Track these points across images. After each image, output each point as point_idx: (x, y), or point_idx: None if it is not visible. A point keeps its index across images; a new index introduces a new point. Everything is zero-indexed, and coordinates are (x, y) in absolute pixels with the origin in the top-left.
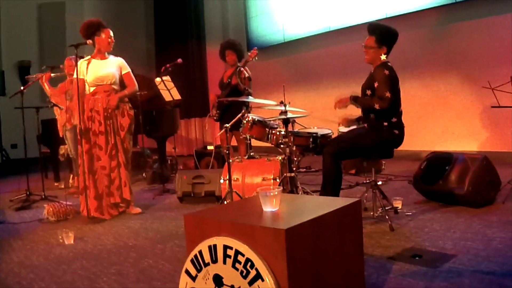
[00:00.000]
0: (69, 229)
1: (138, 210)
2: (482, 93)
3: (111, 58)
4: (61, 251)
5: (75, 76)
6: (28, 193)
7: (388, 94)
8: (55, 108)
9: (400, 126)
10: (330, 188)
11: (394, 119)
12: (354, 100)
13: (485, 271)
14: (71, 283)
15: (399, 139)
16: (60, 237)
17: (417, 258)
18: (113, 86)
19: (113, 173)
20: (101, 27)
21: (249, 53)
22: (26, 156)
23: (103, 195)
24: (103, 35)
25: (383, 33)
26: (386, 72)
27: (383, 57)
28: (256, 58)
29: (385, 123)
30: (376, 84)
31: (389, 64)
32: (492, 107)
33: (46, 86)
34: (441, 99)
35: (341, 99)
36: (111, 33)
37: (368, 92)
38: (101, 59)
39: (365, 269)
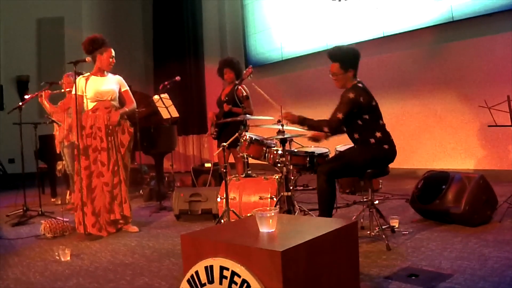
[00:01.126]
0: (65, 245)
1: (136, 229)
2: (479, 111)
3: (110, 75)
4: (57, 267)
5: (73, 92)
6: (25, 208)
7: (339, 115)
8: (54, 124)
9: (389, 140)
10: (323, 207)
11: (378, 134)
12: (302, 121)
13: None
14: None
15: (391, 154)
16: (56, 253)
17: (413, 277)
18: (113, 102)
19: (115, 190)
20: (104, 45)
21: (244, 72)
22: (23, 171)
23: (100, 212)
24: (105, 54)
25: (344, 57)
26: (351, 95)
27: (351, 79)
28: (251, 76)
29: (372, 140)
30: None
31: (359, 85)
32: (489, 126)
33: (47, 104)
34: (437, 118)
35: (291, 114)
36: (113, 53)
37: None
38: (101, 76)
39: None
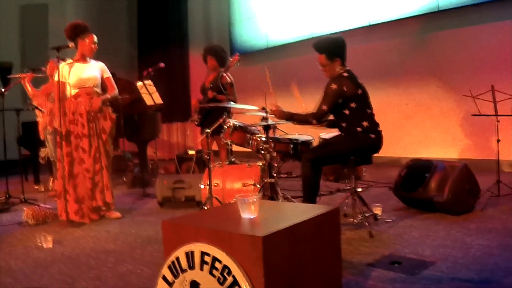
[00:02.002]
0: (48, 232)
1: (118, 215)
2: (463, 101)
3: (93, 62)
4: (39, 254)
5: (56, 79)
6: (7, 195)
7: (324, 108)
8: (37, 110)
9: (375, 130)
10: (307, 194)
11: (365, 123)
12: (290, 117)
13: (463, 278)
14: (49, 287)
15: (377, 143)
16: (38, 240)
17: (396, 265)
18: (96, 89)
19: (97, 176)
20: (86, 31)
21: (230, 59)
22: (6, 158)
23: (84, 198)
24: (87, 40)
25: (330, 47)
26: (334, 86)
27: (338, 68)
28: (238, 64)
29: (358, 129)
30: (322, 96)
31: (344, 74)
32: (473, 115)
33: (29, 87)
34: (422, 107)
35: (279, 110)
36: (95, 39)
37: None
38: (83, 62)
39: (343, 276)
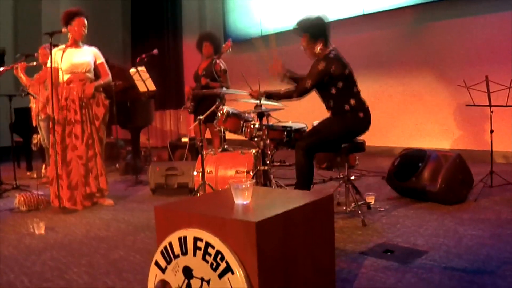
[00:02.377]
0: (40, 219)
1: (111, 202)
2: (457, 91)
3: (86, 47)
4: (31, 241)
5: (49, 64)
6: None
7: (307, 85)
8: (30, 97)
9: (364, 108)
10: (301, 181)
11: (352, 101)
12: (268, 95)
13: (456, 267)
14: (41, 274)
15: (366, 122)
16: (31, 227)
17: (389, 253)
18: (88, 74)
19: (90, 163)
20: (76, 16)
21: (223, 45)
22: None
23: (77, 185)
24: (76, 23)
25: (313, 28)
26: (321, 66)
27: (324, 48)
28: (230, 50)
29: (346, 107)
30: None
31: (330, 55)
32: (467, 105)
33: (23, 77)
34: (415, 97)
35: (255, 91)
36: (85, 22)
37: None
38: (76, 48)
39: (336, 264)
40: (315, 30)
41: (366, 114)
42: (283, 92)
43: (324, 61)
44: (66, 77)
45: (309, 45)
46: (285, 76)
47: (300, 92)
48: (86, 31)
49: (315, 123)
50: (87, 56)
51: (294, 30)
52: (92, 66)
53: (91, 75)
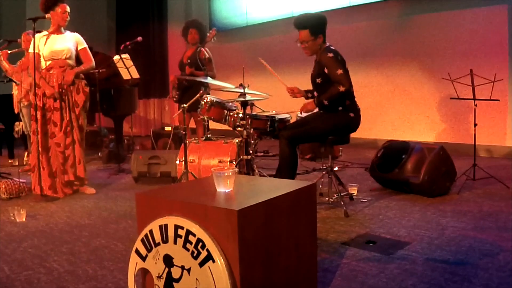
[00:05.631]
0: (21, 206)
1: (92, 190)
2: (442, 84)
3: (68, 33)
4: (12, 228)
5: (31, 50)
6: None
7: (339, 71)
8: (13, 83)
9: (355, 109)
10: (286, 171)
11: (347, 102)
12: (318, 101)
13: (438, 259)
14: (21, 261)
15: (355, 122)
16: (11, 214)
17: (371, 244)
18: (69, 61)
19: (67, 150)
20: (58, 2)
21: (208, 34)
22: None
23: (57, 172)
24: (58, 10)
25: (314, 23)
26: (330, 54)
27: (322, 45)
28: (215, 38)
29: (340, 107)
30: (326, 70)
31: (331, 47)
32: (451, 98)
33: (6, 64)
34: (400, 89)
35: (306, 106)
36: (67, 9)
37: (318, 80)
38: (58, 34)
39: (318, 254)
40: (315, 26)
41: (357, 115)
42: (328, 93)
43: (330, 51)
44: (47, 63)
45: (308, 41)
46: (306, 96)
47: (342, 83)
48: (68, 16)
49: (301, 114)
50: (68, 42)
51: (294, 24)
52: (74, 53)
53: (72, 61)
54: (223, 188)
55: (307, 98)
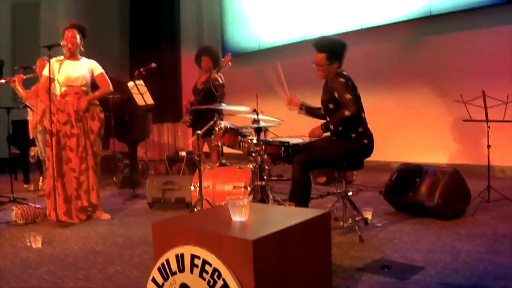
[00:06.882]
0: (37, 232)
1: (107, 216)
2: (454, 106)
3: (84, 60)
4: (28, 254)
5: (45, 73)
6: None
7: (348, 96)
8: (28, 109)
9: (368, 135)
10: (298, 197)
11: (360, 129)
12: (325, 126)
13: (453, 283)
14: None
15: (369, 148)
16: (27, 240)
17: (386, 269)
18: (83, 88)
19: (82, 176)
20: (65, 29)
21: (222, 59)
22: None
23: (71, 198)
24: (65, 36)
25: (333, 49)
26: (342, 79)
27: (334, 71)
28: (230, 64)
29: (353, 134)
30: (336, 95)
31: (344, 73)
32: (464, 120)
33: (20, 89)
34: (412, 111)
35: (314, 132)
36: (75, 34)
37: (331, 106)
38: (73, 60)
39: (333, 280)
40: (333, 52)
41: (370, 141)
42: (334, 119)
43: (341, 76)
44: (62, 89)
45: (323, 65)
46: (301, 109)
47: (349, 107)
48: (78, 43)
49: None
50: (83, 69)
51: (313, 45)
52: (89, 80)
53: (86, 88)
54: (238, 217)
55: (300, 108)
